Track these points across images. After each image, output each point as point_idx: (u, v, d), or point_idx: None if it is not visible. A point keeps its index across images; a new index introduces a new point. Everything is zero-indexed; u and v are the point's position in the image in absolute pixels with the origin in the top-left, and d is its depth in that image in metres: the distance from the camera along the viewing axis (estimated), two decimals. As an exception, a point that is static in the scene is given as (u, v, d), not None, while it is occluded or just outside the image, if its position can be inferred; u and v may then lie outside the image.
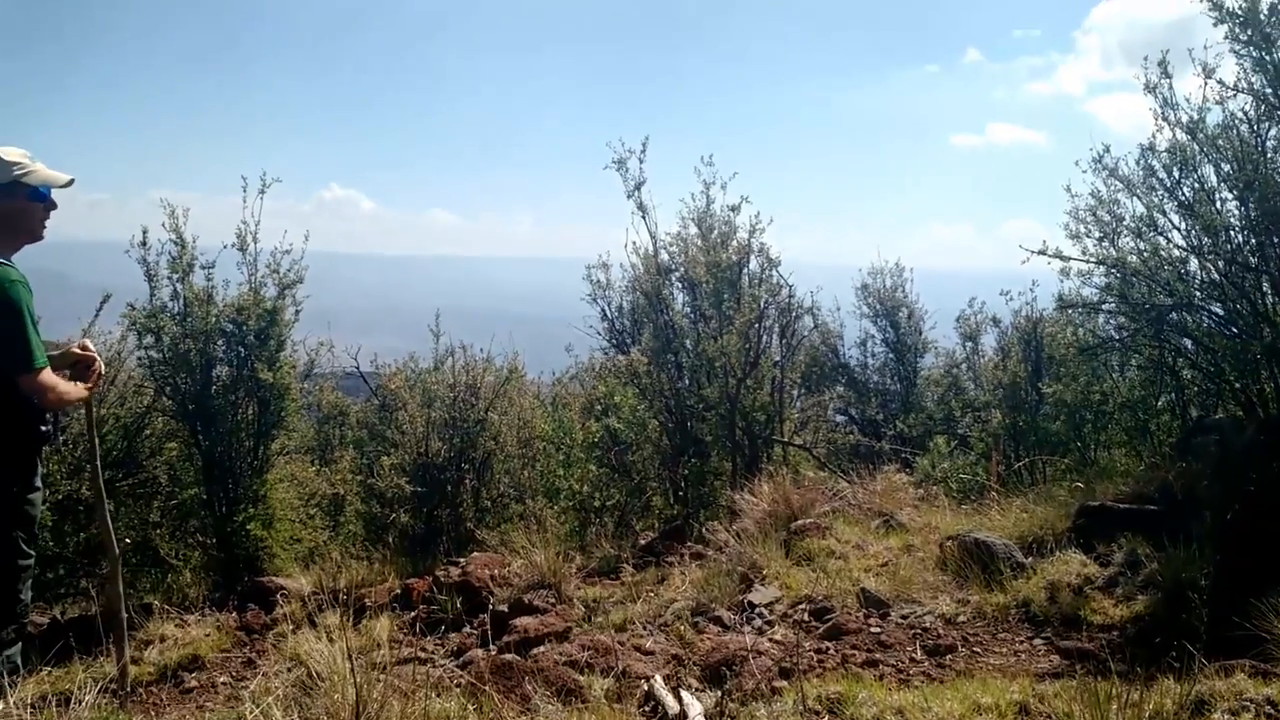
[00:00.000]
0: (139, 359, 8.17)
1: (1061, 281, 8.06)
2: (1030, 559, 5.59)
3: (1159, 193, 7.30)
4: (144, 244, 7.96)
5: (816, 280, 13.19)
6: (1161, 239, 7.36)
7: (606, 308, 11.25)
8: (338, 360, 11.84)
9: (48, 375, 4.00)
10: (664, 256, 10.19)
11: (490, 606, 5.99)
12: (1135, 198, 7.47)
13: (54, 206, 4.27)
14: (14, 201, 4.12)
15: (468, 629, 6.03)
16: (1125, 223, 7.54)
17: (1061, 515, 6.22)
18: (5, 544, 4.04)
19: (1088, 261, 7.65)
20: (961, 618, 5.10)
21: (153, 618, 6.68)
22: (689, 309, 10.17)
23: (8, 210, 4.11)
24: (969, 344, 13.17)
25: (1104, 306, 8.19)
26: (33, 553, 4.20)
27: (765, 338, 9.94)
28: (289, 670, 4.62)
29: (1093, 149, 7.61)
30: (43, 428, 4.10)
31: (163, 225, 8.04)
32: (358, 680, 3.05)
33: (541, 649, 4.98)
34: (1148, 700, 3.15)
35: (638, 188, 9.90)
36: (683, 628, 5.23)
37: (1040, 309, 11.01)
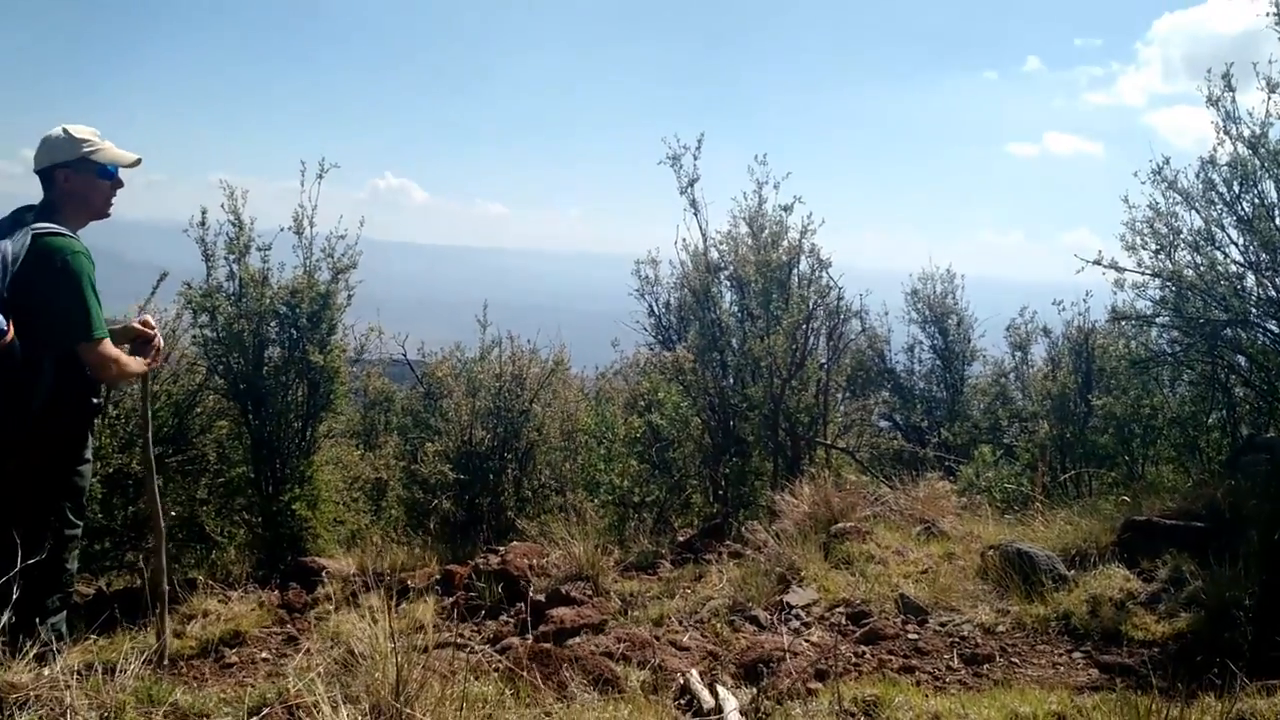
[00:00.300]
0: (193, 337, 8.28)
1: (1115, 293, 8.01)
2: (1073, 572, 5.54)
3: (1218, 207, 7.22)
4: (203, 224, 8.08)
5: (865, 283, 13.10)
6: (1219, 253, 7.28)
7: (654, 304, 11.23)
8: (385, 347, 11.94)
9: (109, 346, 4.10)
10: (714, 254, 10.18)
11: (528, 596, 6.04)
12: (1194, 211, 7.41)
13: (120, 185, 4.37)
14: (82, 177, 4.23)
15: (504, 617, 6.08)
16: (1183, 236, 7.47)
17: (1106, 529, 6.15)
18: (54, 514, 4.14)
19: (1143, 274, 7.58)
20: (1000, 628, 5.07)
21: (196, 593, 6.80)
22: (736, 308, 10.15)
23: (76, 186, 4.23)
24: (1018, 353, 13.04)
25: (1158, 320, 8.11)
26: (80, 523, 4.30)
27: (812, 339, 9.91)
28: (329, 649, 4.68)
29: (1152, 161, 7.54)
30: (94, 400, 4.19)
31: (221, 206, 8.16)
32: (399, 660, 3.09)
33: (577, 640, 5.02)
34: (1187, 716, 3.13)
35: (691, 184, 9.90)
36: (719, 625, 5.25)
37: (1093, 320, 10.91)
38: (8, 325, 3.77)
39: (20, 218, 4.06)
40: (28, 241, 3.92)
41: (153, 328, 4.56)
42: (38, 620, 3.96)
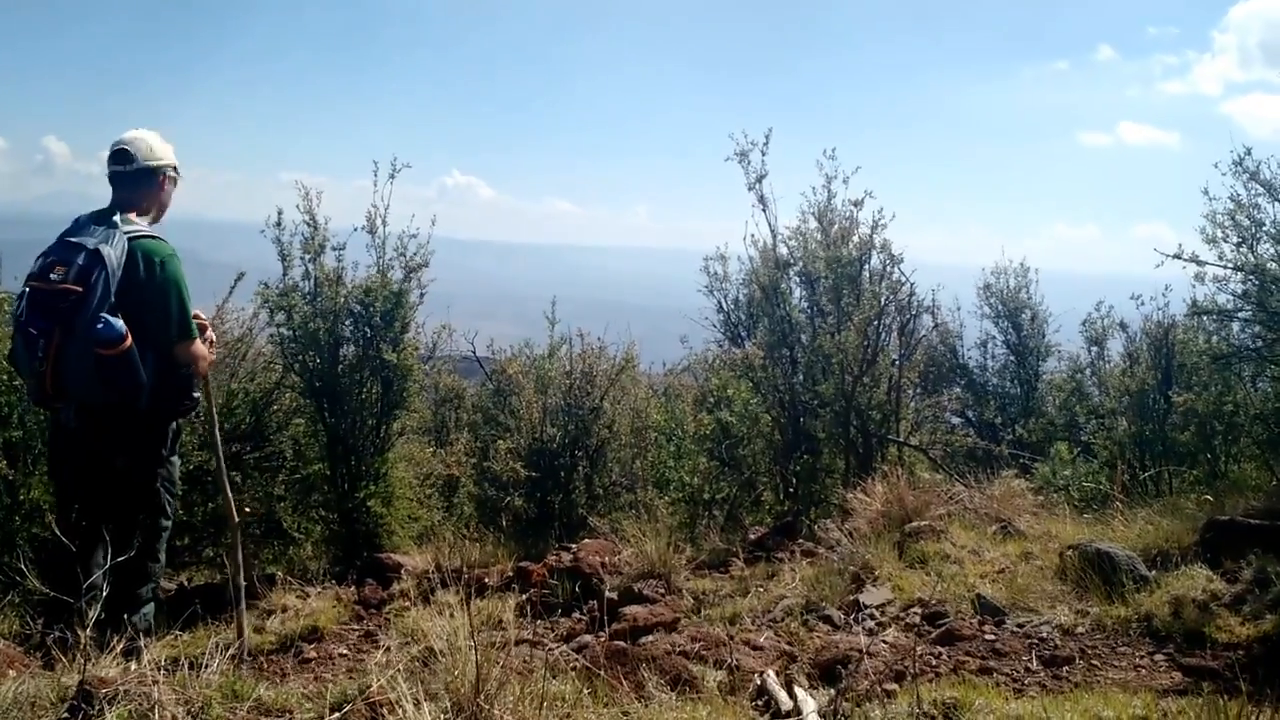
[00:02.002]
0: (270, 336, 8.43)
1: (1194, 287, 7.85)
2: (1154, 572, 5.41)
3: (1302, 198, 7.04)
4: (279, 224, 8.21)
5: (937, 278, 12.88)
6: (1304, 246, 7.10)
7: (723, 300, 11.19)
8: (455, 344, 12.04)
9: (198, 345, 4.28)
10: (783, 250, 10.14)
11: (602, 593, 6.05)
12: (1277, 203, 7.23)
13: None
14: (173, 187, 4.49)
15: (577, 614, 6.09)
16: (1265, 228, 7.29)
17: (1188, 529, 6.00)
18: (151, 505, 4.29)
19: (1224, 267, 7.42)
20: (1080, 629, 4.97)
21: (275, 588, 6.91)
22: (806, 304, 10.09)
23: (168, 192, 4.48)
24: (1094, 349, 12.78)
25: (1240, 314, 7.93)
26: (172, 516, 4.45)
27: (884, 335, 9.81)
28: (407, 645, 4.73)
29: (1233, 151, 7.39)
30: (194, 394, 4.35)
31: (297, 207, 8.29)
32: (478, 658, 3.11)
33: (650, 638, 5.02)
34: (1278, 722, 3.05)
35: (759, 180, 9.86)
36: (793, 625, 5.21)
37: (1172, 315, 10.67)
38: (125, 330, 3.93)
39: (105, 219, 4.19)
40: (125, 245, 4.07)
41: (201, 317, 4.68)
42: (127, 615, 4.07)
